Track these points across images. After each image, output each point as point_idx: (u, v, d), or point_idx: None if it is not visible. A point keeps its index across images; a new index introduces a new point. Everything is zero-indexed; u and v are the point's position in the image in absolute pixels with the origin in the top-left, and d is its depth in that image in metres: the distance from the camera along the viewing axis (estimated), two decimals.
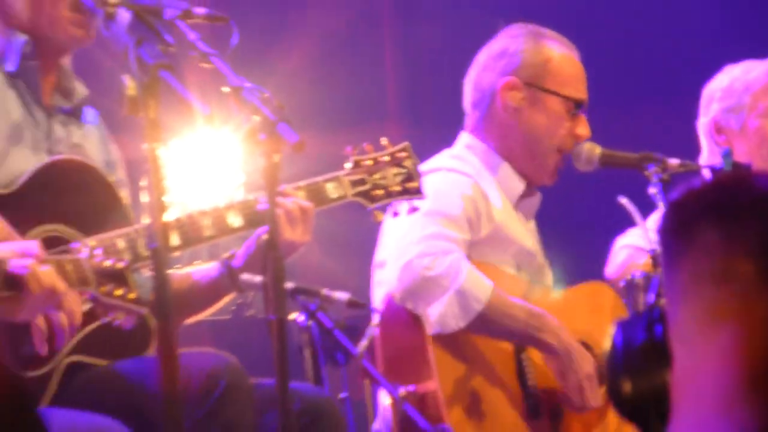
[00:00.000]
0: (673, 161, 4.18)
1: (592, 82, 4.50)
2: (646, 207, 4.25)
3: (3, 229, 3.21)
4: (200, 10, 2.90)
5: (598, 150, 4.35)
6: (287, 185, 3.57)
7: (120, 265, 3.19)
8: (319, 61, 6.66)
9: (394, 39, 7.23)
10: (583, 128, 4.41)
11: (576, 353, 4.20)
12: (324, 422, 3.44)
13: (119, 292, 3.17)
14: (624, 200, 4.19)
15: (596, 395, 4.21)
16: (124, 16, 2.76)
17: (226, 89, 2.73)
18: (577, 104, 4.42)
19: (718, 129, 4.82)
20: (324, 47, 6.68)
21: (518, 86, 4.39)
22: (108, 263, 3.18)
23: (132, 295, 3.17)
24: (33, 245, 3.07)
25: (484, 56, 4.47)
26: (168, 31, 2.76)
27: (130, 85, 2.54)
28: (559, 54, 4.44)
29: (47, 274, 3.02)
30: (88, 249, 3.16)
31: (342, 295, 3.83)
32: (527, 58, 4.41)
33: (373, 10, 7.11)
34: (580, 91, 4.44)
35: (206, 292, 3.63)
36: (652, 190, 4.16)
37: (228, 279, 3.56)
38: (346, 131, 5.15)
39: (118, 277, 3.18)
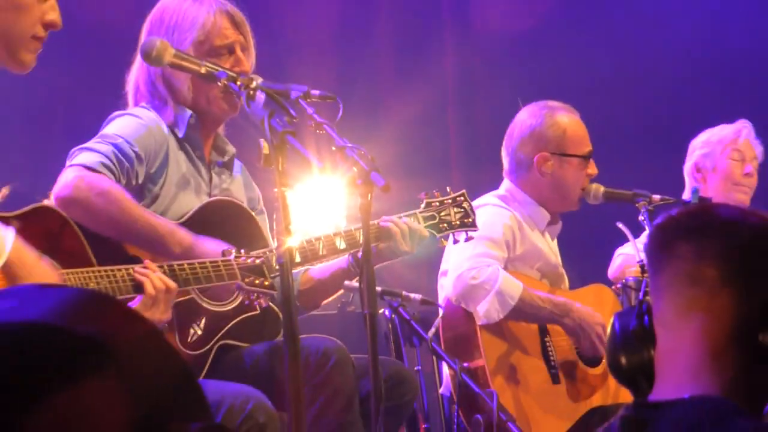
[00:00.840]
0: (656, 197, 4.22)
1: (605, 137, 4.49)
2: (637, 229, 4.23)
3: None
4: (315, 92, 2.90)
5: (602, 189, 4.37)
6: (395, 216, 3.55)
7: (258, 261, 3.20)
8: (401, 126, 6.67)
9: (456, 110, 7.23)
10: (592, 168, 4.41)
11: (586, 324, 4.18)
12: (403, 385, 3.41)
13: (258, 281, 3.18)
14: (620, 225, 4.19)
15: (605, 343, 4.16)
16: (261, 96, 2.77)
17: (334, 148, 2.74)
18: (589, 155, 4.41)
19: (697, 169, 4.95)
20: (405, 117, 6.70)
21: (548, 158, 4.37)
22: (249, 261, 3.20)
23: (267, 282, 3.18)
24: None
25: (516, 133, 4.42)
26: (292, 106, 2.76)
27: (264, 146, 2.54)
28: (569, 121, 4.41)
29: (159, 277, 3.00)
30: (234, 252, 3.18)
31: (416, 296, 3.83)
32: (549, 134, 4.37)
33: (440, 89, 7.11)
34: (588, 145, 4.42)
35: (338, 278, 3.56)
36: (641, 218, 4.17)
37: (355, 267, 3.50)
38: (420, 178, 5.16)
39: (257, 270, 3.19)
